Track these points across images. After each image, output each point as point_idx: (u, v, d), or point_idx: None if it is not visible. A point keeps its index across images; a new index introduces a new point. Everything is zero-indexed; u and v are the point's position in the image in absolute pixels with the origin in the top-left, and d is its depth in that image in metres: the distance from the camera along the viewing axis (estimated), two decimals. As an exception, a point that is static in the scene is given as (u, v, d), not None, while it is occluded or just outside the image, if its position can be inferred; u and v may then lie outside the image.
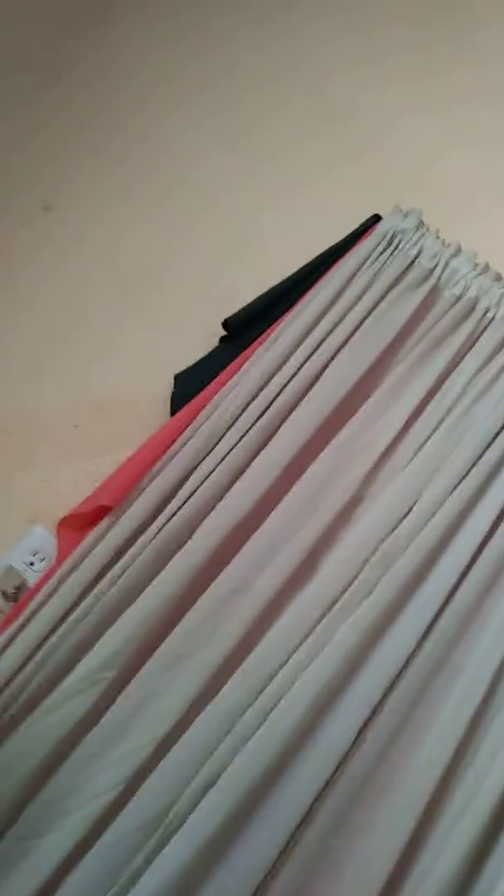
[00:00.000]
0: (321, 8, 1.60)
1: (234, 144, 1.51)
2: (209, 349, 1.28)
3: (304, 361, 1.17)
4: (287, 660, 0.98)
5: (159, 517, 1.07)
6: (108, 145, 1.50)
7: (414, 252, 1.27)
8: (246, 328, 1.28)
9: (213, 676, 0.98)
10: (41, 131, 1.51)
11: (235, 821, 0.89)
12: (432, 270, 1.25)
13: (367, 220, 1.35)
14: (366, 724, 0.95)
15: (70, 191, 1.46)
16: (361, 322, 1.20)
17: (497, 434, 1.10)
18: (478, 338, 1.20)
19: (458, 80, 1.55)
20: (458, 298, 1.23)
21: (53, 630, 1.00)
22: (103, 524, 1.08)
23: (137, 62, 1.58)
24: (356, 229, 1.34)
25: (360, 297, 1.22)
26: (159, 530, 1.06)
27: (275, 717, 0.93)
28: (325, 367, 1.17)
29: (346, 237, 1.34)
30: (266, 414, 1.14)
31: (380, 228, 1.30)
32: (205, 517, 1.07)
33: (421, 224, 1.29)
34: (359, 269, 1.26)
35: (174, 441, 1.14)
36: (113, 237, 1.43)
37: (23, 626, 1.00)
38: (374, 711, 0.96)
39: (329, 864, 0.91)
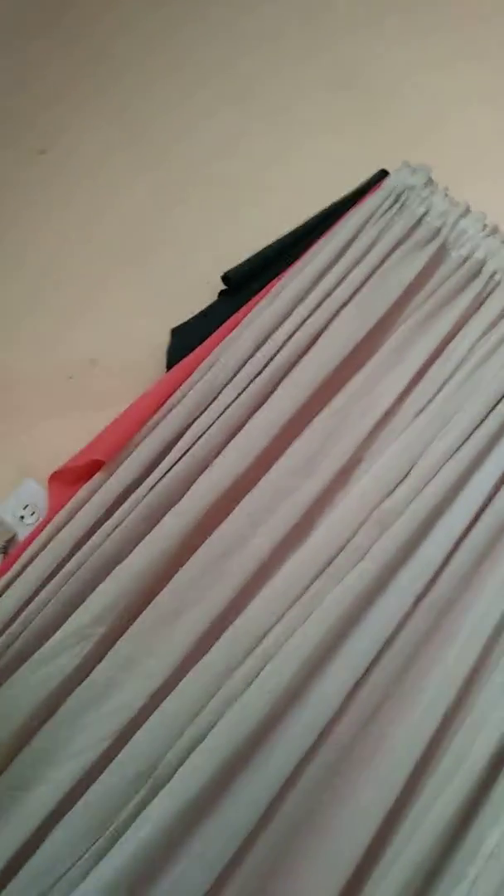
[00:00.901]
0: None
1: (239, 99, 1.45)
2: (208, 303, 1.25)
3: (306, 318, 1.14)
4: (278, 621, 0.97)
5: (153, 473, 1.05)
6: (109, 93, 1.45)
7: (421, 210, 1.23)
8: (246, 282, 1.24)
9: (204, 635, 0.97)
10: (40, 74, 1.46)
11: (222, 778, 0.89)
12: (439, 230, 1.22)
13: (374, 175, 1.31)
14: (355, 688, 0.95)
15: (68, 136, 1.41)
16: (366, 280, 1.17)
17: (501, 399, 1.08)
18: (484, 300, 1.18)
19: (469, 36, 1.50)
20: (466, 259, 1.19)
21: (43, 584, 0.99)
22: (96, 479, 1.06)
23: (143, 10, 1.51)
24: (362, 184, 1.30)
25: (364, 254, 1.19)
26: (153, 486, 1.04)
27: (263, 678, 0.93)
28: (328, 324, 1.14)
29: (352, 192, 1.30)
30: (265, 371, 1.11)
31: (387, 184, 1.26)
32: (200, 474, 1.05)
33: (430, 181, 1.25)
34: (364, 224, 1.22)
35: (170, 396, 1.11)
36: (112, 185, 1.38)
37: (12, 580, 0.99)
38: (364, 676, 0.95)
39: (310, 830, 0.91)
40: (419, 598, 0.99)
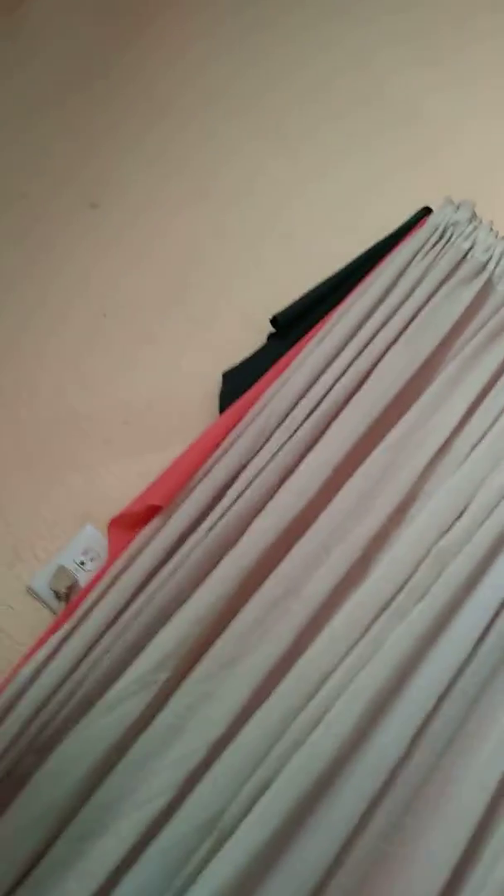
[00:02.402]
0: (379, 8, 1.57)
1: (290, 151, 1.48)
2: (257, 346, 1.27)
3: (355, 357, 1.15)
4: (340, 663, 0.96)
5: (209, 517, 1.06)
6: (148, 140, 1.49)
7: (467, 245, 1.23)
8: (294, 324, 1.26)
9: (266, 680, 0.96)
10: (84, 129, 1.51)
11: (289, 826, 0.88)
12: (486, 264, 1.22)
13: (418, 212, 1.32)
14: (420, 730, 0.93)
15: (113, 188, 1.46)
16: (414, 317, 1.17)
17: None
18: (534, 333, 1.17)
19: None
20: (514, 292, 1.19)
21: (106, 630, 0.99)
22: (154, 524, 1.07)
23: (192, 68, 1.56)
24: (406, 221, 1.32)
25: (411, 292, 1.19)
26: (209, 530, 1.05)
27: (328, 722, 0.92)
28: (377, 363, 1.14)
29: (396, 230, 1.31)
30: (316, 411, 1.11)
31: (431, 221, 1.27)
32: (255, 517, 1.06)
33: (474, 216, 1.26)
34: (410, 262, 1.23)
35: (223, 440, 1.13)
36: (159, 232, 1.42)
37: (75, 627, 1.00)
38: (429, 717, 0.94)
39: (383, 872, 0.89)
40: (482, 636, 0.97)
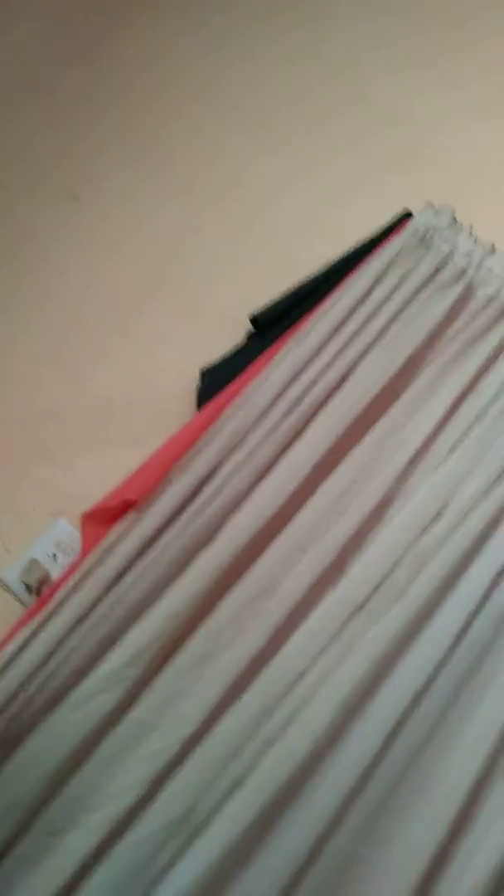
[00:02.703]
0: (366, 9, 1.57)
1: (274, 149, 1.48)
2: (236, 344, 1.27)
3: (335, 358, 1.15)
4: (314, 662, 0.97)
5: (185, 513, 1.06)
6: (131, 133, 1.48)
7: (446, 250, 1.24)
8: (273, 324, 1.26)
9: (239, 677, 0.96)
10: (66, 119, 1.50)
11: (261, 823, 0.88)
12: (465, 269, 1.23)
13: (399, 215, 1.33)
14: (395, 729, 0.94)
15: (95, 180, 1.44)
16: (393, 319, 1.18)
17: (535, 435, 1.08)
18: (513, 339, 1.18)
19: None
20: (492, 298, 1.20)
21: (77, 625, 0.99)
22: (128, 519, 1.06)
23: (159, 51, 1.55)
24: (386, 225, 1.32)
25: (391, 295, 1.20)
26: (185, 527, 1.05)
27: (302, 720, 0.92)
28: (356, 364, 1.15)
29: (377, 233, 1.32)
30: (295, 410, 1.12)
31: (411, 225, 1.28)
32: (231, 514, 1.06)
33: (454, 221, 1.27)
34: (390, 265, 1.24)
35: (200, 436, 1.12)
36: (138, 227, 1.41)
37: (46, 621, 0.99)
38: (404, 717, 0.94)
39: (356, 872, 0.89)
40: (459, 636, 0.98)
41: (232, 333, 1.28)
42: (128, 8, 1.58)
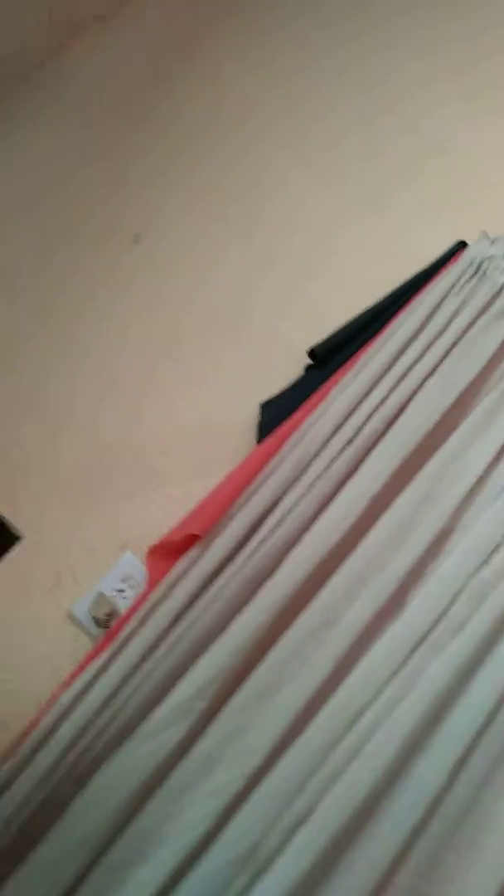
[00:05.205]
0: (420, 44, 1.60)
1: (330, 185, 1.52)
2: (295, 377, 1.29)
3: (392, 389, 1.16)
4: (377, 696, 0.96)
5: (247, 546, 1.07)
6: (192, 178, 1.53)
7: (502, 279, 1.24)
8: (331, 356, 1.28)
9: (303, 710, 0.96)
10: (131, 169, 1.55)
11: (326, 860, 0.87)
12: (522, 297, 1.23)
13: (453, 246, 1.34)
14: (459, 764, 0.92)
15: (159, 223, 1.49)
16: (450, 350, 1.18)
17: None
18: None
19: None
20: (549, 327, 1.20)
21: (145, 658, 1.01)
22: (192, 552, 1.09)
23: (221, 96, 1.60)
24: (441, 256, 1.33)
25: (447, 325, 1.21)
26: (247, 560, 1.06)
27: (365, 755, 0.91)
28: (413, 395, 1.15)
29: (432, 264, 1.33)
30: (353, 442, 1.13)
31: (466, 255, 1.29)
32: (293, 547, 1.07)
33: (510, 250, 1.27)
34: (446, 296, 1.24)
35: (261, 470, 1.14)
36: (201, 267, 1.46)
37: (116, 654, 1.01)
38: (468, 752, 0.92)
39: None
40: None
41: (291, 366, 1.31)
42: (188, 56, 1.64)
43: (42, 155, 1.60)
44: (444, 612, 1.00)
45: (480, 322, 1.21)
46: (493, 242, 1.28)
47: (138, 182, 1.53)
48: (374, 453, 1.12)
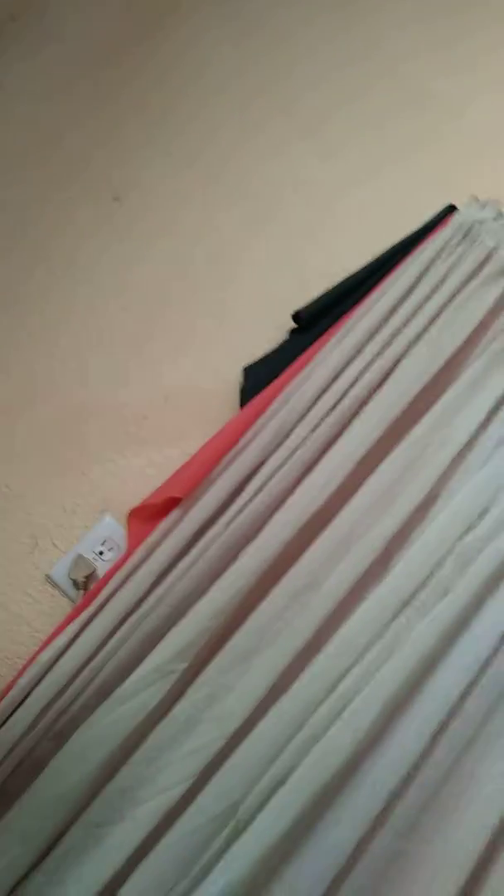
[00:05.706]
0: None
1: (307, 134, 1.49)
2: (279, 341, 1.27)
3: (378, 354, 1.14)
4: (359, 659, 0.96)
5: (229, 510, 1.06)
6: (180, 139, 1.50)
7: (492, 243, 1.23)
8: (316, 320, 1.26)
9: (284, 673, 0.96)
10: (115, 130, 1.51)
11: (305, 819, 0.88)
12: (511, 262, 1.21)
13: (442, 210, 1.32)
14: (441, 727, 0.93)
15: (142, 184, 1.46)
16: (437, 315, 1.17)
17: None
18: None
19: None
20: (539, 293, 1.18)
21: (124, 620, 1.00)
22: (173, 515, 1.07)
23: (208, 57, 1.56)
24: (430, 220, 1.31)
25: (435, 290, 1.19)
26: (229, 523, 1.05)
27: (346, 717, 0.92)
28: (400, 360, 1.14)
29: (420, 228, 1.31)
30: (338, 407, 1.11)
31: (456, 219, 1.27)
32: (275, 511, 1.06)
33: (500, 215, 1.25)
34: (434, 259, 1.22)
35: (244, 434, 1.13)
36: (183, 229, 1.42)
37: (94, 616, 1.00)
38: (450, 715, 0.93)
39: (401, 870, 0.89)
40: (505, 635, 0.97)
41: (274, 331, 1.29)
42: (174, 20, 1.59)
43: (19, 114, 1.55)
44: (430, 575, 1.00)
45: (469, 287, 1.19)
46: (483, 206, 1.26)
47: (121, 142, 1.48)
48: (359, 418, 1.11)
